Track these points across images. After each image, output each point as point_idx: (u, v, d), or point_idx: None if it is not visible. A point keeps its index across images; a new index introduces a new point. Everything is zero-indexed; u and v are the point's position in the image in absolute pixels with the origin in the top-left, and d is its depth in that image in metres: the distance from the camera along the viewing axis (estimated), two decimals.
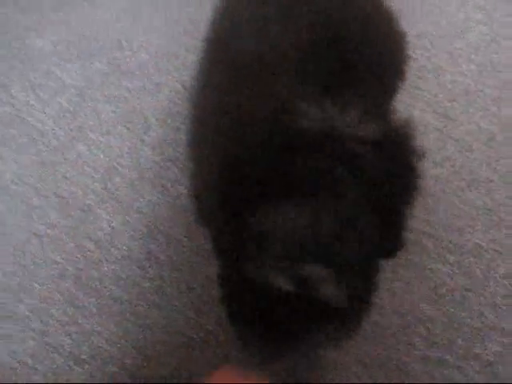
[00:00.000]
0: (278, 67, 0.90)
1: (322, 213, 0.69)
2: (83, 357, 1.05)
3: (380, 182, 0.73)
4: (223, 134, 0.84)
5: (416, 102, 1.38)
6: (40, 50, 1.49)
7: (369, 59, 0.97)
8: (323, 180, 0.70)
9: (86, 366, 1.04)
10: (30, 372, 1.03)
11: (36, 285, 1.12)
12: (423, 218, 1.19)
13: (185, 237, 1.17)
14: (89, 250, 1.16)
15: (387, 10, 1.13)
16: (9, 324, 1.08)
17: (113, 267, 1.14)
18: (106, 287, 1.11)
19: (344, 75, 0.89)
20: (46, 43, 1.50)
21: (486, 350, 1.06)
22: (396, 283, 1.11)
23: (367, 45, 0.99)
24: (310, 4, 1.00)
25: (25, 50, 1.49)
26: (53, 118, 1.37)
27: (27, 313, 1.09)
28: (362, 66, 0.94)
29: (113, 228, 1.19)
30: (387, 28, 1.12)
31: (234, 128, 0.82)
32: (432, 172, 1.26)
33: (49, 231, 1.19)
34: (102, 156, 1.30)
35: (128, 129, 1.34)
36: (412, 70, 1.43)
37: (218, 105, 0.91)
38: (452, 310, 1.09)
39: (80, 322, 1.08)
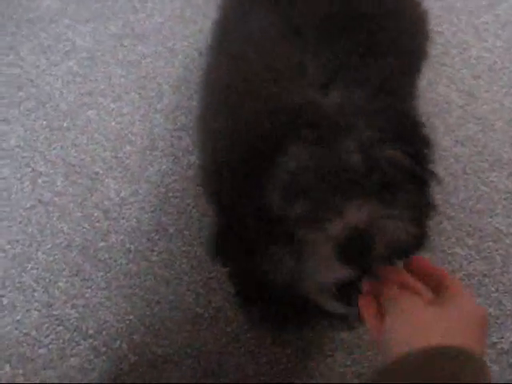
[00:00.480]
0: (290, 42, 0.87)
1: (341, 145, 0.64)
2: (90, 331, 1.02)
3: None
4: (232, 108, 0.81)
5: (440, 78, 1.34)
6: (50, 9, 1.45)
7: (389, 37, 0.93)
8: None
9: (92, 341, 1.01)
10: (35, 344, 1.01)
11: (42, 254, 1.09)
12: (443, 199, 1.16)
13: (195, 209, 1.14)
14: (97, 221, 1.13)
15: None
16: (13, 293, 1.05)
17: (121, 238, 1.11)
18: (114, 259, 1.09)
19: (360, 54, 0.85)
20: (56, 3, 1.46)
21: (502, 338, 1.03)
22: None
23: (387, 22, 0.95)
24: None
25: (34, 10, 1.45)
26: (62, 81, 1.33)
27: (32, 283, 1.06)
28: (381, 45, 0.90)
29: (122, 198, 1.16)
30: (409, 5, 1.07)
31: (242, 102, 0.79)
32: (453, 151, 1.23)
33: (55, 199, 1.16)
34: (112, 123, 1.26)
35: (140, 95, 1.30)
36: (437, 45, 1.38)
37: (229, 76, 0.88)
38: None
39: (87, 295, 1.06)
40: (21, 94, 1.33)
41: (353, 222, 0.58)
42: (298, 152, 0.63)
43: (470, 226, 1.14)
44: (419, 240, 0.69)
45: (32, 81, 1.34)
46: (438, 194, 1.15)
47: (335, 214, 0.59)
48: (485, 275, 1.08)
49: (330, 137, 0.64)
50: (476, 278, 1.08)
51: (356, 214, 0.58)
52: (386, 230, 0.59)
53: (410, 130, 0.74)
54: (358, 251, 0.58)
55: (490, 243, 1.12)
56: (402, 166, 0.65)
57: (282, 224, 0.63)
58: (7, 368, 0.99)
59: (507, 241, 1.13)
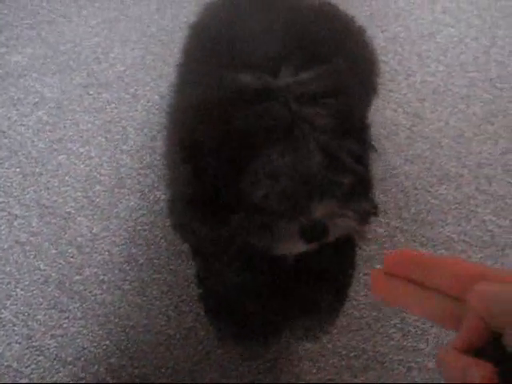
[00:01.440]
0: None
1: (306, 148, 0.75)
2: (69, 359, 1.07)
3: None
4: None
5: (388, 103, 1.42)
6: (18, 65, 1.52)
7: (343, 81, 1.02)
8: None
9: (72, 368, 1.06)
10: (16, 375, 1.05)
11: (20, 291, 1.14)
12: (395, 214, 1.23)
13: (163, 240, 1.20)
14: (71, 256, 1.18)
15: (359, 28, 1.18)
16: None
17: (95, 271, 1.16)
18: (89, 291, 1.14)
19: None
20: (24, 59, 1.53)
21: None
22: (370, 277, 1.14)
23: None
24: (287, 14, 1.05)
25: (3, 66, 1.52)
26: (33, 130, 1.39)
27: (12, 318, 1.11)
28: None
29: (94, 234, 1.22)
30: (360, 45, 1.16)
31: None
32: (403, 168, 1.30)
33: (31, 239, 1.21)
34: (82, 166, 1.32)
35: (106, 138, 1.37)
36: (384, 74, 1.47)
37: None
38: None
39: (65, 325, 1.10)
40: None
41: (315, 217, 0.71)
42: (271, 157, 0.73)
43: (423, 236, 1.20)
44: (363, 233, 0.84)
45: (4, 132, 1.41)
46: (391, 209, 1.23)
47: (304, 211, 0.71)
48: None
49: (294, 139, 0.74)
50: None
51: (318, 211, 0.71)
52: (339, 225, 0.73)
53: (358, 130, 0.84)
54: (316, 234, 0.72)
55: (443, 251, 1.19)
56: (353, 169, 0.77)
57: (260, 212, 0.75)
58: None
59: (459, 247, 1.19)
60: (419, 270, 0.37)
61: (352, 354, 1.07)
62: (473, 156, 1.33)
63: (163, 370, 1.04)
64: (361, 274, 1.15)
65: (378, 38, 1.56)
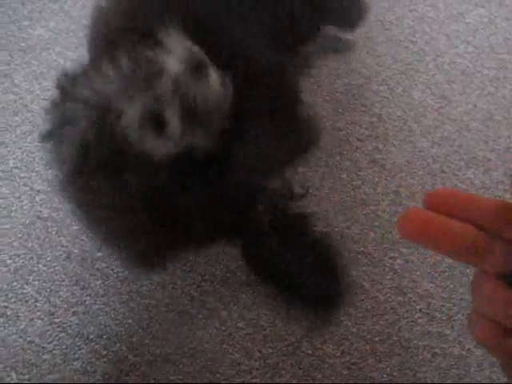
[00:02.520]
0: None
1: None
2: (91, 336, 1.06)
3: None
4: None
5: (415, 84, 1.40)
6: (41, 38, 1.51)
7: None
8: None
9: (94, 345, 1.05)
10: (39, 351, 1.05)
11: (42, 266, 1.13)
12: (422, 197, 1.21)
13: None
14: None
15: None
16: (16, 304, 1.09)
17: None
18: (111, 268, 1.13)
19: None
20: (46, 32, 1.52)
21: None
22: (397, 261, 1.13)
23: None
24: None
25: (26, 40, 1.51)
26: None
27: (34, 294, 1.10)
28: None
29: None
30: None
31: None
32: (431, 151, 1.28)
33: (53, 214, 1.20)
34: None
35: None
36: (411, 54, 1.45)
37: None
38: (451, 285, 1.11)
39: (87, 302, 1.10)
40: (17, 118, 1.38)
41: None
42: None
43: None
44: None
45: (26, 106, 1.40)
46: (417, 193, 1.21)
47: None
48: (466, 266, 1.11)
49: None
50: (457, 269, 1.12)
51: None
52: None
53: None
54: None
55: None
56: None
57: None
58: (13, 375, 1.03)
59: None
60: (459, 204, 0.38)
61: (376, 339, 1.05)
62: (502, 140, 1.30)
63: (185, 350, 1.04)
64: (386, 258, 1.13)
65: (406, 18, 1.54)
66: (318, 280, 1.03)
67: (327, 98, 1.37)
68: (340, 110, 1.35)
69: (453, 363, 1.04)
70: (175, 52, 0.84)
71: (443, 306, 1.09)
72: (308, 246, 1.07)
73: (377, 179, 1.24)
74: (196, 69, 0.84)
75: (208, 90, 0.85)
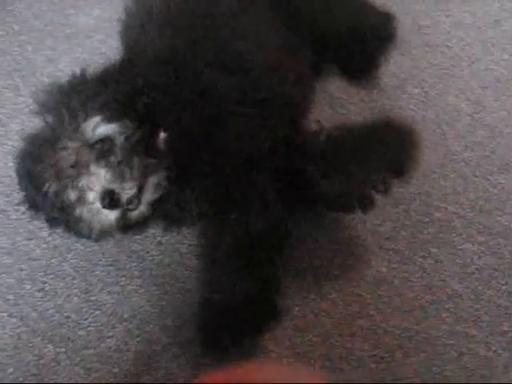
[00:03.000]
0: None
1: None
2: (125, 315, 1.09)
3: None
4: None
5: (450, 89, 1.41)
6: (85, 26, 1.54)
7: None
8: None
9: (127, 324, 1.08)
10: (75, 326, 1.08)
11: (80, 245, 1.16)
12: (453, 199, 1.23)
13: None
14: None
15: None
16: (55, 281, 1.12)
17: (153, 231, 1.17)
18: (146, 251, 1.15)
19: None
20: (90, 20, 1.55)
21: None
22: (427, 260, 1.15)
23: None
24: None
25: (71, 27, 1.54)
26: None
27: (72, 271, 1.13)
28: None
29: None
30: None
31: None
32: (463, 155, 1.29)
33: None
34: None
35: None
36: (447, 58, 1.46)
37: None
38: (480, 287, 1.12)
39: (122, 283, 1.12)
40: None
41: None
42: None
43: (480, 224, 1.20)
44: None
45: None
46: (449, 195, 1.22)
47: None
48: (495, 269, 1.14)
49: None
50: (486, 272, 1.14)
51: None
52: None
53: None
54: None
55: (500, 240, 1.18)
56: None
57: None
58: (50, 347, 1.06)
59: None
60: None
61: (404, 335, 1.07)
62: None
63: None
64: (416, 257, 1.15)
65: (443, 23, 1.55)
66: None
67: (364, 98, 1.39)
68: (375, 111, 1.37)
69: (479, 364, 1.06)
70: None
71: (471, 306, 1.11)
72: None
73: (409, 180, 1.25)
74: None
75: None
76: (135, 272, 1.13)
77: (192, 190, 0.99)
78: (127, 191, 0.88)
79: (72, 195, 0.89)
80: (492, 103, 1.39)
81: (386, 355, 1.06)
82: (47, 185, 0.89)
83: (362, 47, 1.35)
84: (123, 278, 1.13)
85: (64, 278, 1.13)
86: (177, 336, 1.06)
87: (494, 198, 1.24)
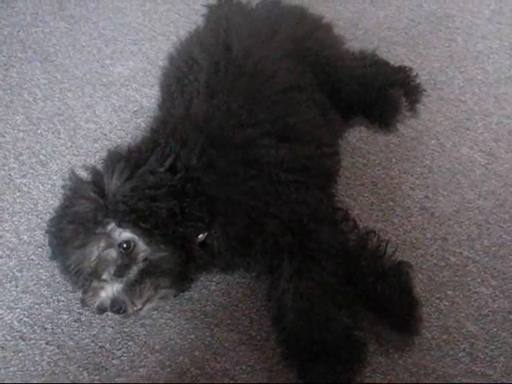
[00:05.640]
0: None
1: None
2: (156, 347, 1.14)
3: None
4: None
5: (464, 141, 1.49)
6: (121, 76, 1.63)
7: None
8: None
9: (158, 355, 1.13)
10: (109, 355, 1.13)
11: None
12: (468, 245, 1.28)
13: None
14: None
15: None
16: (90, 312, 1.18)
17: None
18: None
19: None
20: (126, 70, 1.65)
21: None
22: (443, 301, 1.19)
23: None
24: None
25: (107, 76, 1.64)
26: (132, 136, 1.49)
27: None
28: None
29: None
30: None
31: None
32: (477, 203, 1.35)
33: None
34: None
35: None
36: (461, 112, 1.54)
37: None
38: (494, 329, 1.15)
39: (154, 316, 1.18)
40: (96, 145, 1.51)
41: None
42: None
43: (495, 268, 1.24)
44: None
45: (106, 135, 1.52)
46: (464, 241, 1.28)
47: None
48: (509, 312, 1.18)
49: None
50: (500, 315, 1.17)
51: None
52: None
53: None
54: None
55: None
56: None
57: None
58: (85, 374, 1.11)
59: None
60: None
61: (422, 372, 1.10)
62: None
63: (243, 367, 1.10)
64: (433, 298, 1.19)
65: (457, 79, 1.64)
66: None
67: (382, 148, 1.46)
68: (393, 160, 1.44)
69: None
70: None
71: (486, 347, 1.14)
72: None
73: (426, 225, 1.32)
74: None
75: None
76: (166, 306, 1.19)
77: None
78: (135, 306, 1.03)
79: (88, 291, 1.03)
80: (504, 155, 1.46)
81: None
82: (70, 268, 1.02)
83: (388, 102, 1.46)
84: (155, 312, 1.18)
85: None
86: (205, 368, 1.11)
87: (507, 244, 1.29)
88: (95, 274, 1.00)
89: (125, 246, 1.01)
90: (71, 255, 1.00)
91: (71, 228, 1.00)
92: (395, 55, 1.67)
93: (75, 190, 1.05)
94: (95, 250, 1.00)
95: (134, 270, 1.01)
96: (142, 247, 1.02)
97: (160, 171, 1.04)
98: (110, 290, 1.00)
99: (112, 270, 1.00)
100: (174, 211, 1.02)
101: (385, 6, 1.89)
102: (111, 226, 1.00)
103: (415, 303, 1.11)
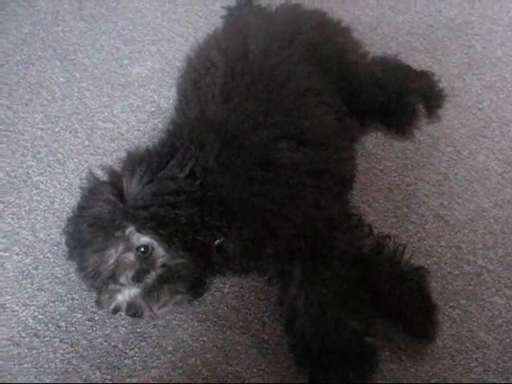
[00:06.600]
0: None
1: None
2: (169, 348, 1.15)
3: None
4: None
5: (480, 149, 1.48)
6: (139, 76, 1.64)
7: None
8: None
9: (171, 357, 1.14)
10: (121, 355, 1.14)
11: None
12: (483, 254, 1.27)
13: None
14: None
15: None
16: (104, 312, 1.18)
17: None
18: None
19: None
20: (144, 71, 1.66)
21: None
22: (456, 310, 1.19)
23: None
24: None
25: (126, 76, 1.65)
26: (149, 136, 1.51)
27: None
28: None
29: None
30: None
31: None
32: (493, 212, 1.35)
33: None
34: None
35: None
36: (478, 120, 1.53)
37: None
38: (508, 339, 1.15)
39: (167, 317, 1.19)
40: (113, 145, 1.52)
41: None
42: None
43: (509, 278, 1.23)
44: None
45: (123, 135, 1.53)
46: (479, 249, 1.28)
47: None
48: None
49: None
50: None
51: None
52: None
53: None
54: None
55: None
56: None
57: None
58: (97, 374, 1.12)
59: None
60: None
61: (433, 381, 1.10)
62: None
63: (255, 371, 1.11)
64: (446, 307, 1.19)
65: (475, 86, 1.63)
66: None
67: (399, 154, 1.46)
68: (409, 167, 1.44)
69: None
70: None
71: (499, 357, 1.13)
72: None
73: (441, 233, 1.32)
74: None
75: None
76: (180, 308, 1.19)
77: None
78: (151, 311, 1.04)
79: (104, 293, 1.04)
80: None
81: None
82: (88, 271, 1.03)
83: (407, 108, 1.46)
84: (168, 313, 1.19)
85: None
86: (216, 370, 1.11)
87: None
88: (113, 277, 1.01)
89: (143, 249, 1.01)
90: (89, 257, 1.01)
91: (90, 230, 1.00)
92: (413, 61, 1.66)
93: (93, 191, 1.06)
94: (114, 254, 1.01)
95: (152, 276, 1.02)
96: (161, 253, 1.03)
97: (180, 177, 1.04)
98: (127, 293, 1.01)
99: (130, 273, 1.01)
100: (194, 219, 1.02)
101: (404, 11, 1.88)
102: (130, 229, 1.01)
103: (433, 308, 1.12)
